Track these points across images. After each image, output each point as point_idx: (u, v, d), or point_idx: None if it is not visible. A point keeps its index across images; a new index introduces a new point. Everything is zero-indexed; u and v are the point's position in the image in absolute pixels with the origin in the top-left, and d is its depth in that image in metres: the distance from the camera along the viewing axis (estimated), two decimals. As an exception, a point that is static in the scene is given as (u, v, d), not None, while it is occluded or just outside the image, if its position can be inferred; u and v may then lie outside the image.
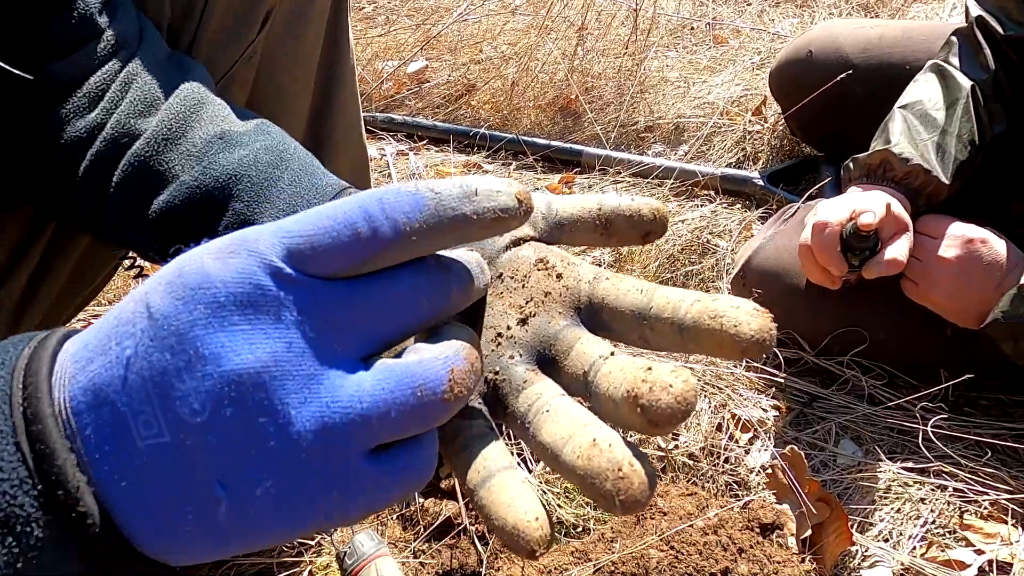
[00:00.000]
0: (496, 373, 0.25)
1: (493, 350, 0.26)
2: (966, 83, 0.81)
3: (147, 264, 0.58)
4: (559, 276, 0.27)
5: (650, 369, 0.21)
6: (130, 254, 0.57)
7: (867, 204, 0.74)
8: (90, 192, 0.42)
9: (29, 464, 0.18)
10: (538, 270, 0.27)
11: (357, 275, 0.20)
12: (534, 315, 0.26)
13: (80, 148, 0.41)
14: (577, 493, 0.77)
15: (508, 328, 0.26)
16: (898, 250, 0.74)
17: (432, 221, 0.20)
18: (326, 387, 0.19)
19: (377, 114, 1.46)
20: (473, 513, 0.80)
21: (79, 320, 0.93)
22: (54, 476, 0.18)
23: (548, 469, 0.80)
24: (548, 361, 0.25)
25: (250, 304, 0.19)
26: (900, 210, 0.76)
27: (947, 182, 0.78)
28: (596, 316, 0.26)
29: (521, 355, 0.25)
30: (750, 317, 0.22)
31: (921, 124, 0.81)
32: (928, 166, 0.77)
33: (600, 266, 1.06)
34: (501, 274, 0.27)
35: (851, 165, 0.83)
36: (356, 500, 0.19)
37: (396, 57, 1.61)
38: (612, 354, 0.24)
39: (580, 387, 0.24)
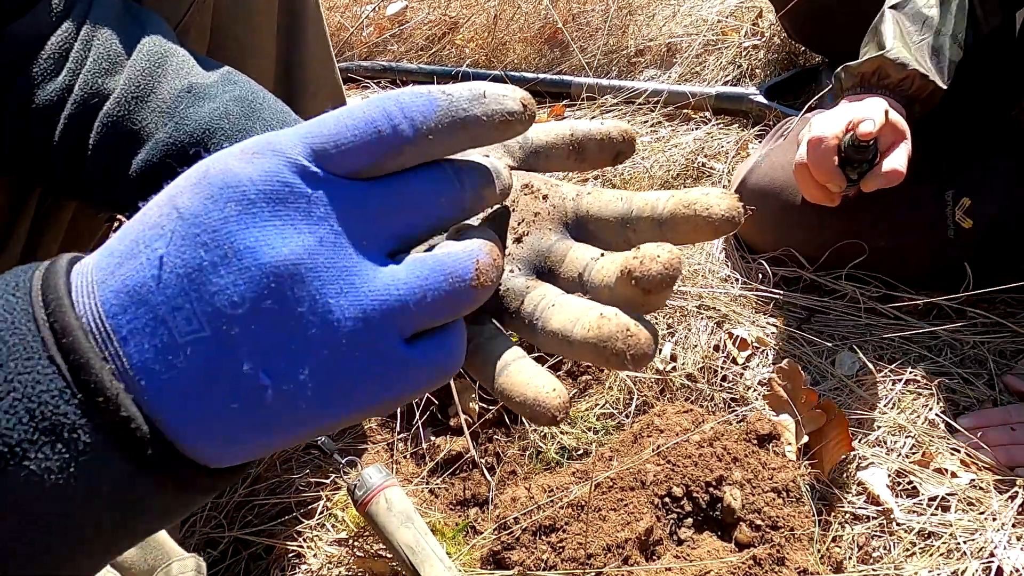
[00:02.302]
0: (500, 285, 0.27)
1: None
2: None
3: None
4: (545, 197, 0.29)
5: (638, 248, 0.24)
6: (118, 217, 0.58)
7: (865, 112, 0.71)
8: (68, 156, 0.42)
9: (66, 375, 0.18)
10: (525, 194, 0.29)
11: (378, 175, 0.21)
12: (527, 233, 0.28)
13: (52, 113, 0.41)
14: (578, 418, 0.79)
15: (505, 247, 0.28)
16: (898, 160, 0.72)
17: (447, 121, 0.21)
18: (361, 278, 0.20)
19: (360, 62, 1.42)
20: (482, 446, 0.83)
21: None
22: (93, 385, 0.18)
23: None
24: (545, 272, 0.28)
25: (279, 201, 0.19)
26: (898, 118, 0.73)
27: (944, 87, 0.74)
28: (583, 228, 0.28)
29: (520, 269, 0.28)
30: (719, 200, 0.25)
31: (913, 24, 0.76)
32: (924, 70, 0.74)
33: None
34: None
35: (843, 74, 0.79)
36: (396, 384, 0.20)
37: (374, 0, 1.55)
38: (602, 255, 0.26)
39: (576, 287, 0.26)
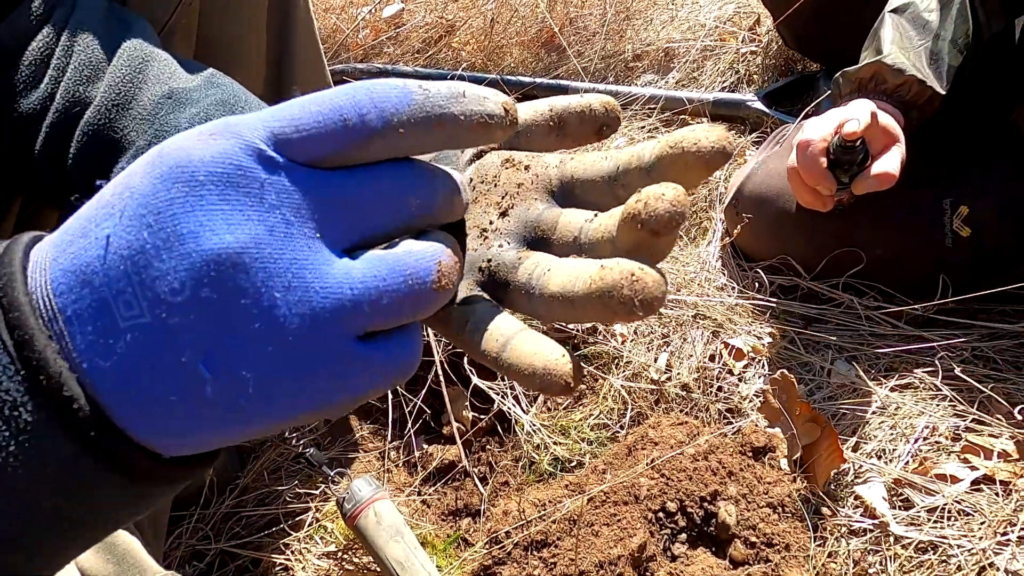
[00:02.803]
0: (489, 262, 0.26)
1: (481, 244, 0.27)
2: None
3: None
4: (527, 168, 0.28)
5: (639, 192, 0.22)
6: None
7: (851, 114, 0.71)
8: (50, 165, 0.41)
9: (10, 351, 0.18)
10: (505, 168, 0.28)
11: (343, 165, 0.20)
12: (512, 206, 0.27)
13: (35, 121, 0.41)
14: (572, 428, 0.78)
15: (491, 223, 0.27)
16: (889, 163, 0.71)
17: (420, 116, 0.20)
18: (312, 272, 0.18)
19: (356, 64, 1.41)
20: (475, 455, 0.82)
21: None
22: (35, 362, 0.18)
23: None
24: (536, 241, 0.26)
25: (230, 184, 0.18)
26: (889, 121, 0.72)
27: (943, 92, 0.74)
28: (569, 194, 0.27)
29: (509, 243, 0.27)
30: (707, 132, 0.23)
31: (913, 29, 0.75)
32: (922, 76, 0.73)
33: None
34: (471, 179, 0.28)
35: (840, 80, 0.78)
36: (346, 385, 0.19)
37: (371, 2, 1.54)
38: (595, 215, 0.25)
39: (573, 250, 0.25)
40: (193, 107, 0.40)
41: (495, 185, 0.28)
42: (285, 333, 0.18)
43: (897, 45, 0.74)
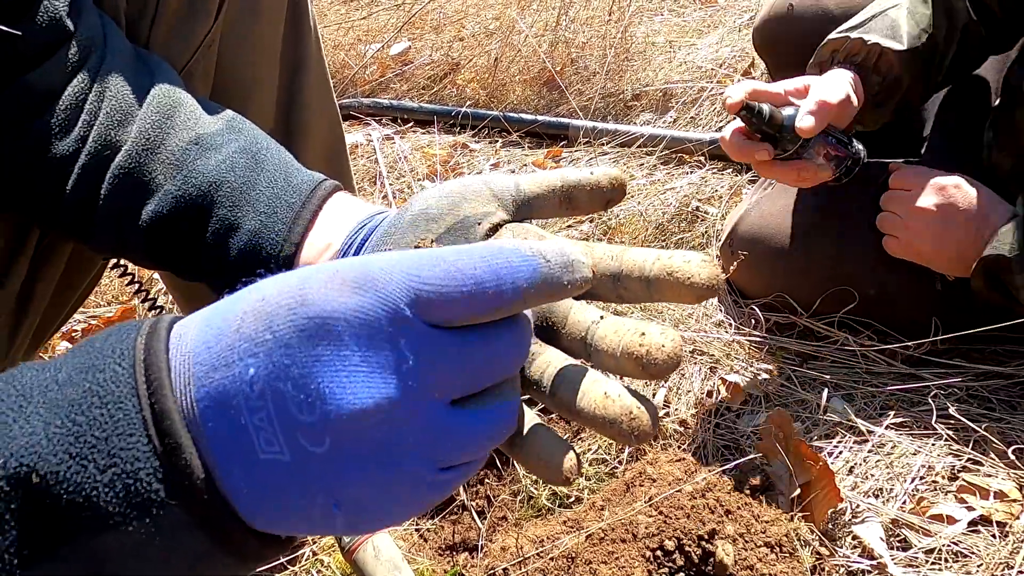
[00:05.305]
0: None
1: None
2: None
3: (132, 266, 0.59)
4: None
5: (643, 334, 0.26)
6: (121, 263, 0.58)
7: (732, 88, 0.73)
8: (79, 205, 0.43)
9: (160, 456, 0.20)
10: None
11: (466, 325, 0.22)
12: None
13: (67, 164, 0.42)
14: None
15: None
16: (821, 92, 0.71)
17: (543, 287, 0.23)
18: (435, 432, 0.22)
19: (362, 99, 1.45)
20: (472, 488, 0.82)
21: (76, 321, 0.95)
22: (182, 467, 0.20)
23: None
24: (548, 330, 0.30)
25: (370, 346, 0.21)
26: (788, 83, 0.74)
27: (900, 48, 0.73)
28: None
29: None
30: (700, 268, 0.27)
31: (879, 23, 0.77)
32: (869, 38, 0.74)
33: (590, 239, 1.06)
34: None
35: (809, 67, 0.81)
36: (440, 498, 0.23)
37: (379, 39, 1.59)
38: (602, 317, 0.29)
39: (580, 348, 0.29)
40: (218, 153, 0.42)
41: None
42: (408, 480, 0.21)
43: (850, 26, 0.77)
